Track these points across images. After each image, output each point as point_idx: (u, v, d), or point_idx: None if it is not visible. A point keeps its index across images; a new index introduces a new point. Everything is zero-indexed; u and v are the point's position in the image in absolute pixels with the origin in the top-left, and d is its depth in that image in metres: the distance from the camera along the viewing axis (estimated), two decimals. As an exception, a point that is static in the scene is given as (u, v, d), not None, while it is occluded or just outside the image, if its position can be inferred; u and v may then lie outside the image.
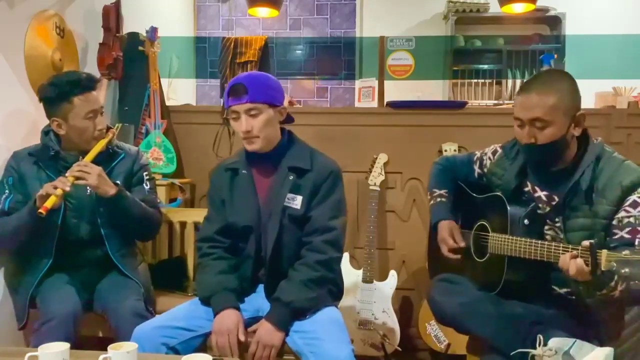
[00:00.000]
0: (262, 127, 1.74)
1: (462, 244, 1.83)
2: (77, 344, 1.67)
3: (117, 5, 2.77)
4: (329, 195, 1.78)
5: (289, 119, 1.87)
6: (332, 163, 1.84)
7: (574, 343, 1.44)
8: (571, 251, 1.42)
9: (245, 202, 1.81)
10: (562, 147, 1.60)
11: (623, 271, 1.27)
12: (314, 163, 1.81)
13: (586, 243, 1.38)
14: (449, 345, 2.54)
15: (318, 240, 1.74)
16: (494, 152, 1.89)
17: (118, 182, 1.99)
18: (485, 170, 1.90)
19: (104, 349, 1.34)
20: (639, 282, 1.35)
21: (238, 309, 1.71)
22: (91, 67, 2.74)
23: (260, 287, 1.82)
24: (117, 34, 2.76)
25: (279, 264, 1.77)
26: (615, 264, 1.29)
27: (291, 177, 1.78)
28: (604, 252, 1.32)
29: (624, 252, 1.29)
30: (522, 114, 1.59)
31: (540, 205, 1.68)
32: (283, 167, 1.80)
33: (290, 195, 1.77)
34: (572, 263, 1.41)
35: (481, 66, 4.67)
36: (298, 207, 1.76)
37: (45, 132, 2.03)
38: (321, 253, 1.73)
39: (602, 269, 1.32)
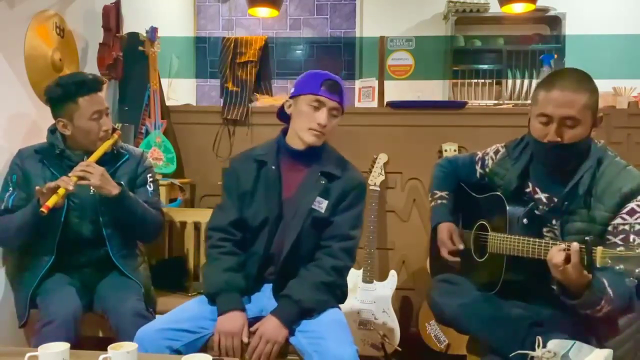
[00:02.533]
0: (332, 129, 1.81)
1: (461, 247, 1.83)
2: (77, 344, 1.67)
3: (117, 5, 2.78)
4: (353, 205, 1.82)
5: None
6: (360, 175, 1.90)
7: (573, 345, 1.43)
8: (566, 249, 1.41)
9: (269, 197, 1.80)
10: (583, 148, 1.58)
11: (618, 267, 1.27)
12: (345, 172, 1.84)
13: (580, 242, 1.37)
14: (449, 345, 2.54)
15: (337, 246, 1.76)
16: (496, 152, 1.88)
17: (122, 182, 1.99)
18: (487, 170, 1.89)
19: (104, 349, 1.34)
20: (634, 278, 1.35)
21: (243, 309, 1.70)
22: (91, 67, 2.75)
23: (265, 287, 1.82)
24: (117, 34, 2.76)
25: (293, 263, 1.77)
26: (610, 261, 1.29)
27: (323, 182, 1.79)
28: (599, 248, 1.32)
29: (618, 249, 1.29)
30: (555, 110, 1.52)
31: (539, 206, 1.68)
32: (315, 170, 1.81)
33: (318, 199, 1.78)
34: (559, 254, 1.40)
35: (481, 66, 4.67)
36: (323, 210, 1.78)
37: (52, 131, 2.03)
38: (337, 259, 1.75)
39: (598, 265, 1.32)
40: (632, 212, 1.50)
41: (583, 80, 1.55)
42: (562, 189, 1.61)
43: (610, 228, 1.52)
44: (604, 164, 1.58)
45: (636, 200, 1.50)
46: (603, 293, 1.42)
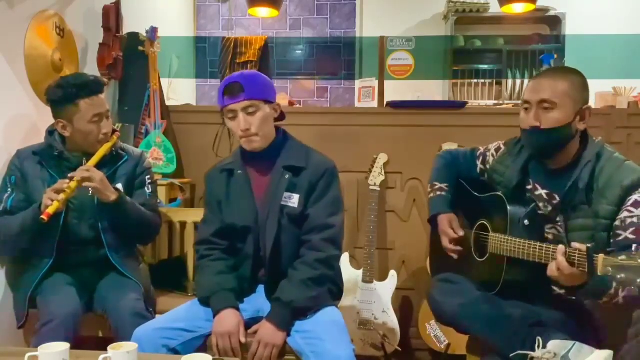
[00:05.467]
0: (260, 125, 1.74)
1: (461, 233, 1.83)
2: (77, 344, 1.67)
3: (117, 5, 2.77)
4: (325, 193, 1.78)
5: (281, 117, 1.87)
6: (327, 161, 1.84)
7: (573, 345, 1.43)
8: (567, 255, 1.40)
9: (242, 202, 1.81)
10: (565, 137, 1.60)
11: (619, 276, 1.25)
12: (309, 161, 1.81)
13: (583, 247, 1.37)
14: (449, 345, 2.54)
15: (317, 238, 1.74)
16: (497, 149, 1.89)
17: (119, 186, 2.00)
18: (488, 167, 1.90)
19: (104, 349, 1.34)
20: (635, 287, 1.35)
21: (237, 308, 1.71)
22: (91, 67, 2.74)
23: (261, 288, 1.82)
24: (117, 34, 2.76)
25: (279, 263, 1.77)
26: (611, 269, 1.27)
27: (287, 176, 1.77)
28: (601, 256, 1.31)
29: (620, 257, 1.28)
30: (531, 95, 1.61)
31: (541, 204, 1.68)
32: (279, 166, 1.80)
33: (287, 194, 1.77)
34: (557, 262, 1.41)
35: (481, 66, 4.67)
36: (295, 205, 1.76)
37: (50, 132, 2.03)
38: (320, 251, 1.73)
39: (599, 273, 1.31)
40: (636, 204, 1.50)
41: (565, 71, 1.63)
42: (561, 185, 1.63)
43: (618, 222, 1.52)
44: (603, 158, 1.59)
45: (638, 193, 1.51)
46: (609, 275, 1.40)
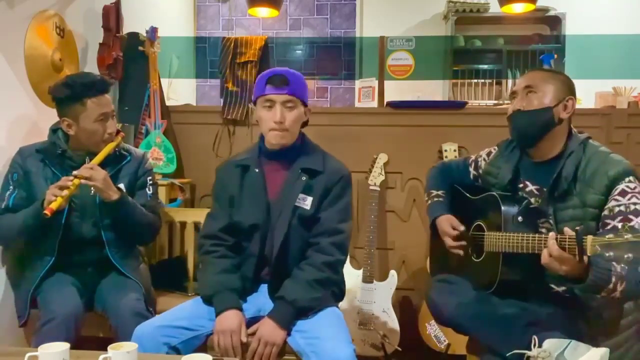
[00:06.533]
0: (293, 122, 1.77)
1: (462, 228, 1.84)
2: (77, 344, 1.67)
3: (117, 5, 2.77)
4: (339, 199, 1.80)
5: (304, 124, 1.88)
6: (343, 167, 1.87)
7: (568, 344, 1.44)
8: (558, 241, 1.41)
9: (255, 200, 1.81)
10: (545, 121, 1.66)
11: (607, 255, 1.27)
12: (326, 166, 1.82)
13: (572, 232, 1.38)
14: (449, 345, 2.55)
15: (326, 241, 1.75)
16: (489, 153, 1.94)
17: (121, 186, 2.00)
18: (481, 171, 1.94)
19: (104, 349, 1.34)
20: (624, 265, 1.37)
21: (240, 309, 1.71)
22: (91, 67, 2.75)
23: (262, 287, 1.82)
24: (117, 34, 2.76)
25: (285, 263, 1.77)
26: (599, 248, 1.29)
27: (304, 178, 1.78)
28: (589, 237, 1.32)
29: (607, 236, 1.30)
30: (517, 86, 1.75)
31: (532, 199, 1.71)
32: (296, 167, 1.80)
33: (301, 196, 1.78)
34: (548, 248, 1.42)
35: (481, 66, 4.67)
36: (308, 207, 1.77)
37: (54, 130, 2.04)
38: (328, 255, 1.74)
39: (588, 254, 1.33)
40: (623, 193, 1.53)
41: (549, 70, 1.77)
42: (548, 178, 1.66)
43: (606, 212, 1.54)
44: (588, 151, 1.63)
45: (624, 182, 1.53)
46: (608, 268, 1.41)
